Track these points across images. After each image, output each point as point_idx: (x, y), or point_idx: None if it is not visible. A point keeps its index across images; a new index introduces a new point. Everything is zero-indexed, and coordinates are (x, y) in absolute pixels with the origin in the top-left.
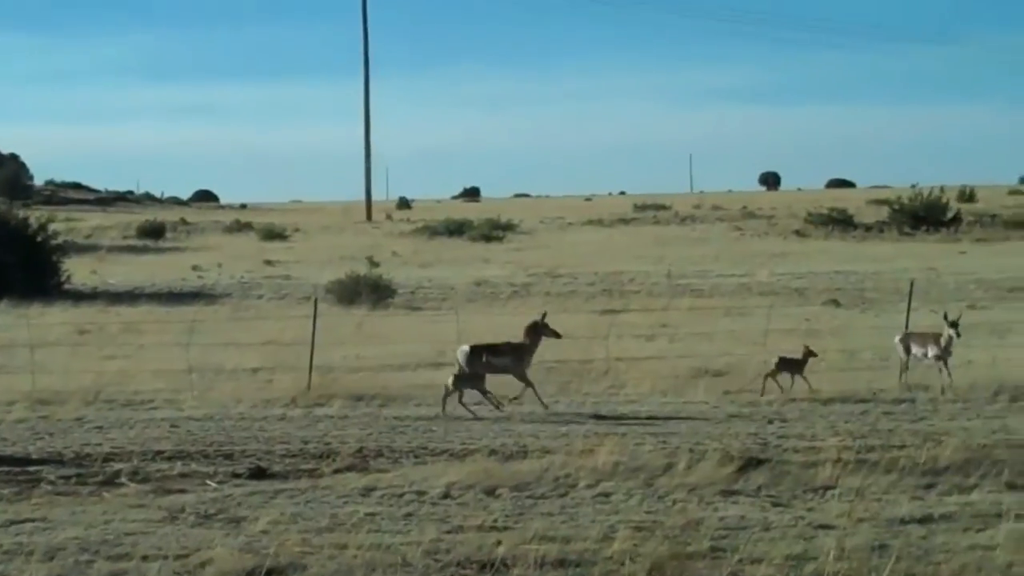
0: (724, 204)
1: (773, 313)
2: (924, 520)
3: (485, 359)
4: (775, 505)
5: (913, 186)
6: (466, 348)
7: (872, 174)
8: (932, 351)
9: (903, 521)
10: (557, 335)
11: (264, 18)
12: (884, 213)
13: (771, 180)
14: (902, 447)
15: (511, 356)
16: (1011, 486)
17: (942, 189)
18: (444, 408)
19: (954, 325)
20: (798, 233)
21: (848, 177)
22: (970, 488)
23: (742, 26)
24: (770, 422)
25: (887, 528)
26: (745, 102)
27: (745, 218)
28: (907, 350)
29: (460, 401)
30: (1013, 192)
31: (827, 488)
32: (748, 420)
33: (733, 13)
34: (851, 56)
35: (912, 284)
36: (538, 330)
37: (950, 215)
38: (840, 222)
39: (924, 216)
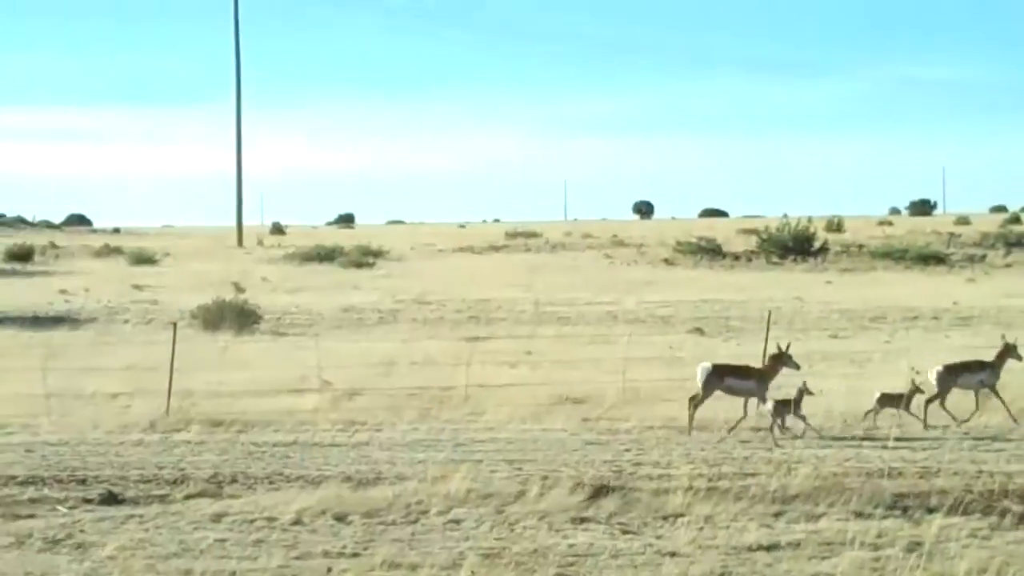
0: (596, 233)
1: (638, 341)
2: (771, 547)
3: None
4: (625, 532)
5: (784, 216)
6: (707, 365)
7: (745, 204)
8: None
9: (750, 548)
10: (797, 366)
11: (137, 44)
12: (753, 242)
13: (644, 209)
14: (754, 475)
15: (755, 379)
16: (858, 514)
17: (810, 219)
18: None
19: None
20: (667, 262)
21: (722, 207)
22: (818, 516)
23: (621, 56)
24: (627, 449)
25: (734, 555)
26: (622, 132)
27: (615, 246)
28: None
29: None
30: (882, 223)
31: (677, 516)
32: (605, 447)
33: (611, 43)
34: (728, 87)
35: (770, 314)
36: (782, 359)
37: (817, 245)
38: (709, 251)
39: (791, 246)
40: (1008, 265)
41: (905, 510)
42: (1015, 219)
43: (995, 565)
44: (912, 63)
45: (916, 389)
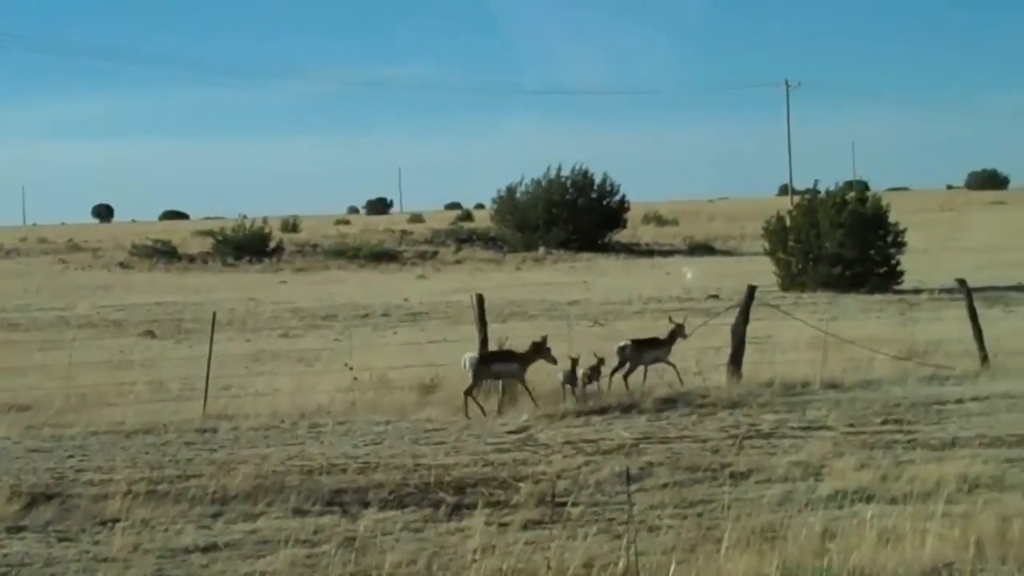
0: (53, 237)
1: (89, 345)
2: (208, 549)
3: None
4: (62, 540)
5: (243, 217)
6: (474, 355)
7: (206, 206)
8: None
9: (187, 550)
10: (554, 361)
11: None
12: (210, 244)
13: (104, 212)
14: (196, 476)
15: (518, 363)
16: (297, 512)
17: (265, 220)
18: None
19: None
20: (122, 265)
21: (183, 209)
22: (257, 515)
23: (76, 60)
24: (70, 456)
25: (170, 558)
26: (82, 135)
27: (71, 251)
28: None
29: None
30: (339, 222)
31: (115, 520)
32: (48, 455)
33: (65, 46)
34: (189, 90)
35: (215, 315)
36: (541, 350)
37: (272, 245)
38: (165, 253)
39: (246, 246)
40: (458, 261)
41: (343, 506)
42: (467, 216)
43: (425, 556)
44: (368, 64)
45: (601, 360)
